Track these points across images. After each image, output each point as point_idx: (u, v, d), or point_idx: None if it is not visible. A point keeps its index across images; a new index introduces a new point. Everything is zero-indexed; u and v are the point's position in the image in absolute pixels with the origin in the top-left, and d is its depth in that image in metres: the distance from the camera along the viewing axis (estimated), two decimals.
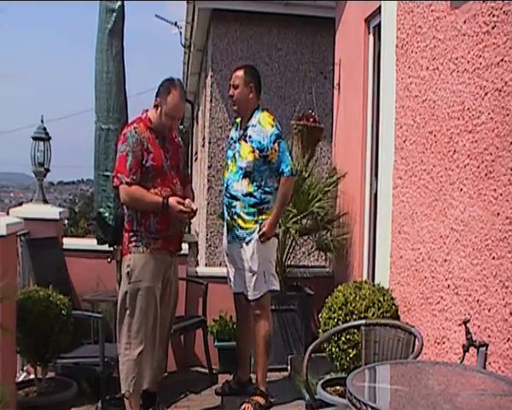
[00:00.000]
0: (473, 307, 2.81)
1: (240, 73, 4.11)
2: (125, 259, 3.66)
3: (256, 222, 3.96)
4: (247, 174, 3.97)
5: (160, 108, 3.65)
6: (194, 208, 3.67)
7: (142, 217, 3.59)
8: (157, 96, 3.68)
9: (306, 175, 5.07)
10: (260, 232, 3.93)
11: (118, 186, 3.59)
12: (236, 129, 4.21)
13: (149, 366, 3.61)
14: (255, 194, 3.97)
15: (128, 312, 3.56)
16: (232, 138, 4.20)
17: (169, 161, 3.69)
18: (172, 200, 3.57)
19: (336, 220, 5.19)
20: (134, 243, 3.60)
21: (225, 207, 4.12)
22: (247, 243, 3.96)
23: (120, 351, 3.59)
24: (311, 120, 5.47)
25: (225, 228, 4.18)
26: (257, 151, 3.95)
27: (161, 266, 3.65)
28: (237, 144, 4.08)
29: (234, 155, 4.07)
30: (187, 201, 3.65)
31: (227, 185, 4.07)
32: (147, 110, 3.73)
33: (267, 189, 4.00)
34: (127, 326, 3.56)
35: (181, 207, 3.56)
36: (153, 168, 3.59)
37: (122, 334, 3.59)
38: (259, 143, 3.95)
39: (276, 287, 4.09)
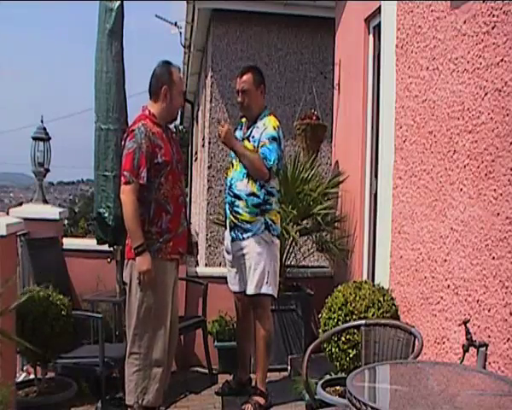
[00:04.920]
0: (473, 307, 2.81)
1: (247, 76, 4.07)
2: (130, 263, 3.48)
3: (260, 216, 3.96)
4: (249, 174, 3.98)
5: (169, 93, 3.57)
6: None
7: (155, 215, 3.44)
8: (162, 85, 3.56)
9: (308, 178, 5.03)
10: (219, 131, 4.04)
11: (125, 183, 3.40)
12: (240, 129, 4.22)
13: (159, 377, 3.48)
14: (258, 194, 3.97)
15: (139, 322, 3.43)
16: (236, 138, 4.21)
17: (175, 155, 3.61)
18: (146, 257, 3.36)
19: (337, 223, 5.18)
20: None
21: (228, 206, 4.13)
22: (252, 236, 3.96)
23: (129, 361, 3.47)
24: (314, 117, 5.48)
25: (227, 227, 4.17)
26: (257, 149, 3.97)
27: (172, 272, 3.54)
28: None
29: None
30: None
31: (230, 184, 4.07)
32: (146, 106, 3.62)
33: (270, 189, 4.01)
34: (138, 337, 3.44)
35: (148, 269, 3.36)
36: (165, 164, 3.46)
37: (132, 345, 3.46)
38: (258, 140, 3.97)
39: (274, 293, 4.06)
